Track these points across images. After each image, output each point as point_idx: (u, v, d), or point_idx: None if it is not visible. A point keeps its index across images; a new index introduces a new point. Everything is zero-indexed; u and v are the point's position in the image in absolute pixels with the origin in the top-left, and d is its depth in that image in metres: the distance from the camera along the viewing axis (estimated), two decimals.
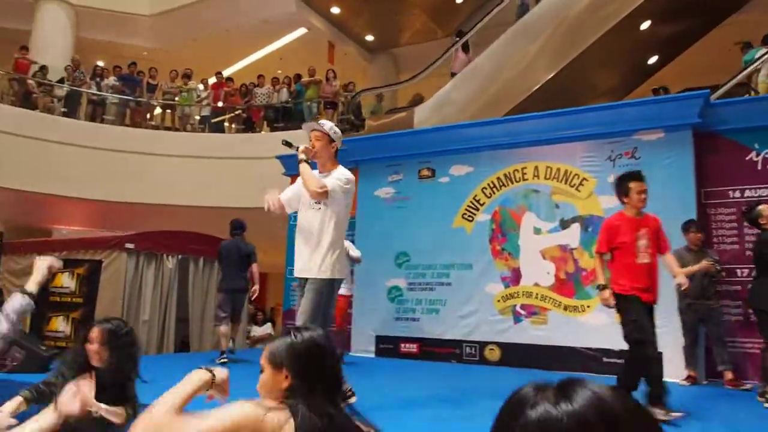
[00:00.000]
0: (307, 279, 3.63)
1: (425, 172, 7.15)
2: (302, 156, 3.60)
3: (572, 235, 6.13)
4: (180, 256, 8.32)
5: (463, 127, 7.14)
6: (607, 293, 3.85)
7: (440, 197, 6.97)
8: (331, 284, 3.64)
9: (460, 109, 8.99)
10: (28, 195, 9.89)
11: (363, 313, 7.21)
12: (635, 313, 3.74)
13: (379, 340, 7.03)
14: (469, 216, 6.76)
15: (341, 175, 3.67)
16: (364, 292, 7.28)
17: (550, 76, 8.36)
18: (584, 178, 6.16)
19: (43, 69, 11.03)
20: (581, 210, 6.13)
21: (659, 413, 3.52)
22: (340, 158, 7.45)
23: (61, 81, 11.18)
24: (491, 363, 6.30)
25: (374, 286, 7.18)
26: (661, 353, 3.96)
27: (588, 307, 5.94)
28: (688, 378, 5.25)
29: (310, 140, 3.72)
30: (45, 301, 8.00)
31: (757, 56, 7.59)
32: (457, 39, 10.04)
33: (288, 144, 3.92)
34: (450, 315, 6.65)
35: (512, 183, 6.59)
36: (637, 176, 3.99)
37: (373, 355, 6.98)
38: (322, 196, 3.55)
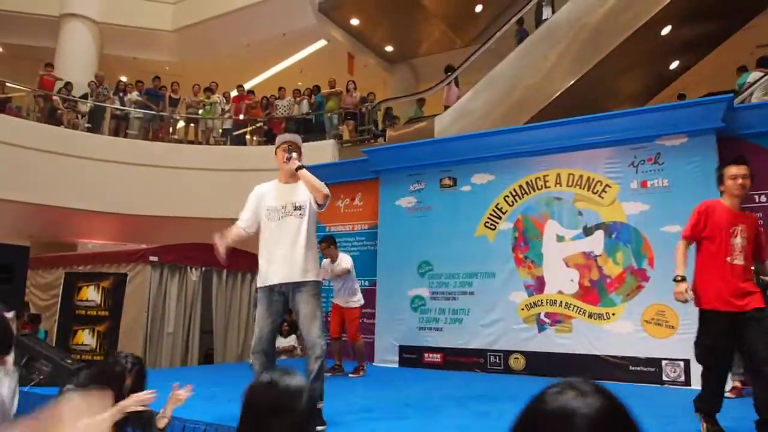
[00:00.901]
0: (286, 284, 3.65)
1: (447, 181, 7.24)
2: (299, 162, 3.73)
3: (596, 242, 6.17)
4: (204, 269, 8.49)
5: (484, 135, 7.23)
6: (683, 286, 3.38)
7: (462, 206, 7.05)
8: (320, 286, 3.76)
9: (480, 118, 9.09)
10: (53, 209, 10.17)
11: (386, 323, 7.30)
12: (710, 335, 3.34)
13: (403, 350, 7.11)
14: (492, 224, 6.84)
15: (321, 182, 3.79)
16: (386, 301, 7.38)
17: (571, 83, 8.43)
18: (607, 185, 6.20)
19: (68, 85, 11.39)
20: (605, 217, 6.17)
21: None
22: (362, 168, 7.62)
23: (84, 97, 11.53)
24: (516, 372, 6.35)
25: (397, 296, 7.27)
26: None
27: (613, 314, 5.96)
28: (733, 390, 4.96)
29: (285, 150, 3.80)
30: (71, 315, 8.22)
31: (749, 80, 7.50)
32: (448, 74, 10.27)
33: (284, 151, 3.90)
34: (474, 324, 6.71)
35: (534, 191, 6.65)
36: (732, 161, 3.50)
37: (396, 366, 7.05)
38: (327, 198, 3.70)
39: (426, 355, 6.96)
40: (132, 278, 7.97)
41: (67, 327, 8.10)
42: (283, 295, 3.68)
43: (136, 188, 10.55)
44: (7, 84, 11.03)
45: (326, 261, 6.42)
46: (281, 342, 10.37)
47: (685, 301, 3.40)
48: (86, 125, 11.25)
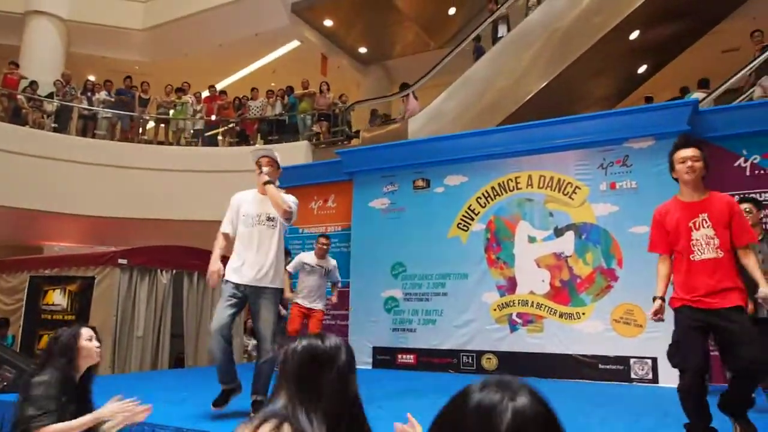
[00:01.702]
0: (251, 287, 3.91)
1: (420, 183, 7.30)
2: (267, 178, 3.99)
3: (566, 243, 6.29)
4: (174, 271, 8.38)
5: (457, 137, 7.30)
6: (656, 305, 3.10)
7: (435, 207, 7.12)
8: (280, 294, 4.07)
9: (454, 119, 9.19)
10: (18, 212, 9.98)
11: (359, 325, 7.33)
12: (679, 331, 3.02)
13: (376, 351, 7.14)
14: (465, 226, 6.91)
15: (292, 198, 4.05)
16: (360, 303, 7.40)
17: (543, 85, 8.58)
18: (577, 187, 6.33)
19: (33, 84, 11.17)
20: (575, 218, 6.30)
21: None
22: (335, 169, 7.64)
23: (51, 96, 11.33)
24: (489, 372, 6.41)
25: (370, 297, 7.30)
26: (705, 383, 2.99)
27: (583, 314, 6.08)
28: None
29: (259, 164, 4.09)
30: (36, 319, 8.06)
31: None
32: (408, 87, 10.45)
33: (258, 165, 4.17)
34: (447, 325, 6.77)
35: (506, 192, 6.75)
36: (680, 143, 3.19)
37: (370, 367, 7.08)
38: (288, 215, 3.93)
39: (399, 356, 7.01)
40: (100, 281, 7.83)
41: (32, 332, 7.95)
42: (245, 296, 3.94)
43: (105, 190, 10.40)
44: None
45: (310, 255, 6.46)
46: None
47: (660, 320, 3.10)
48: (53, 125, 11.07)
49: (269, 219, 4.00)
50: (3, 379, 5.19)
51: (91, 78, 12.68)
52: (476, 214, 6.88)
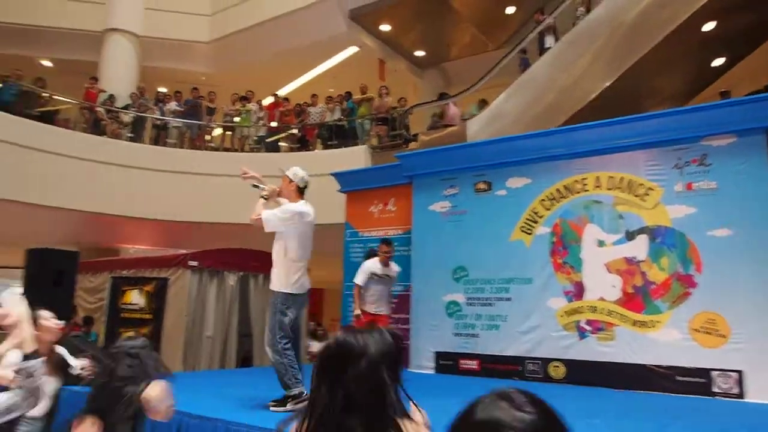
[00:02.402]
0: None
1: (481, 186, 6.92)
2: (264, 193, 4.36)
3: (639, 247, 5.75)
4: (240, 273, 8.36)
5: (519, 138, 6.90)
6: None
7: (497, 210, 6.72)
8: (283, 296, 4.21)
9: (514, 120, 8.76)
10: (99, 216, 10.19)
11: (421, 329, 7.01)
12: None
13: (439, 356, 6.80)
14: (528, 229, 6.48)
15: (285, 207, 4.31)
16: (421, 307, 7.08)
17: (608, 84, 8.00)
18: (650, 188, 5.78)
19: (111, 97, 11.42)
20: (648, 220, 5.75)
21: None
22: (395, 173, 7.36)
23: (126, 107, 11.54)
24: (556, 381, 5.98)
25: (432, 302, 6.97)
26: None
27: (658, 322, 5.54)
28: None
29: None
30: (117, 317, 8.19)
31: None
32: (446, 94, 10.40)
33: (256, 186, 4.49)
34: (511, 331, 6.36)
35: (572, 194, 6.27)
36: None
37: (432, 372, 6.76)
38: (256, 222, 4.19)
39: (462, 361, 6.64)
40: (173, 282, 7.90)
41: (114, 329, 8.09)
42: None
43: (176, 195, 10.50)
44: (55, 97, 11.11)
45: (376, 264, 6.19)
46: (316, 347, 10.19)
47: None
48: (128, 135, 11.27)
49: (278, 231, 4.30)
50: (91, 373, 5.21)
51: (162, 89, 12.88)
52: (540, 217, 6.43)
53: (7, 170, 9.09)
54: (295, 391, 4.03)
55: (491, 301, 6.59)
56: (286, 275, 4.22)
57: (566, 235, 6.25)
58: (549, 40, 9.26)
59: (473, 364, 6.55)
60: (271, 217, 4.21)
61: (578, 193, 6.24)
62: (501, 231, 6.65)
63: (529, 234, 6.48)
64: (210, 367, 7.90)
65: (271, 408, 3.98)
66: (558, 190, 6.36)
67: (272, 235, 4.34)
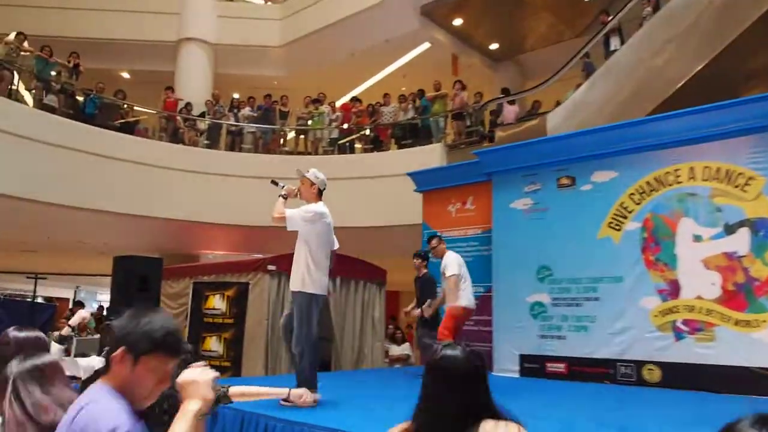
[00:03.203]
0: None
1: (564, 181, 6.93)
2: (283, 192, 4.55)
3: (740, 241, 5.62)
4: None
5: (604, 130, 6.85)
6: None
7: (583, 206, 6.72)
8: (307, 298, 4.42)
9: (597, 111, 8.66)
10: (181, 223, 10.91)
11: (504, 331, 7.10)
12: None
13: (524, 359, 6.87)
14: (617, 225, 6.44)
15: (305, 207, 4.54)
16: (504, 308, 7.17)
17: (699, 67, 7.79)
18: (751, 177, 5.64)
19: (188, 105, 12.18)
20: (749, 213, 5.61)
21: None
22: (473, 170, 7.52)
23: (202, 115, 12.27)
24: (651, 384, 5.92)
25: (515, 303, 7.05)
26: None
27: (763, 321, 5.39)
28: None
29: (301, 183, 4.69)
30: (200, 322, 8.73)
31: None
32: (507, 90, 10.58)
33: (275, 183, 4.72)
34: (600, 332, 6.35)
35: (664, 187, 6.19)
36: None
37: (517, 375, 6.83)
38: (280, 222, 4.39)
39: (549, 364, 6.68)
40: (253, 287, 8.30)
41: (197, 334, 8.61)
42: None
43: (253, 199, 11.02)
44: (136, 108, 11.98)
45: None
46: (395, 350, 10.45)
47: None
48: (205, 142, 11.97)
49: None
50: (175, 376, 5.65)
51: (236, 95, 13.57)
52: (630, 212, 6.38)
53: (94, 181, 9.87)
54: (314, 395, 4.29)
55: (578, 301, 6.59)
56: (308, 275, 4.44)
57: (658, 230, 6.17)
58: (614, 42, 9.28)
59: (560, 367, 6.58)
60: (294, 215, 4.41)
61: (670, 185, 6.15)
62: (587, 227, 6.64)
63: (618, 230, 6.44)
64: (290, 371, 8.26)
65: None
66: (648, 183, 6.29)
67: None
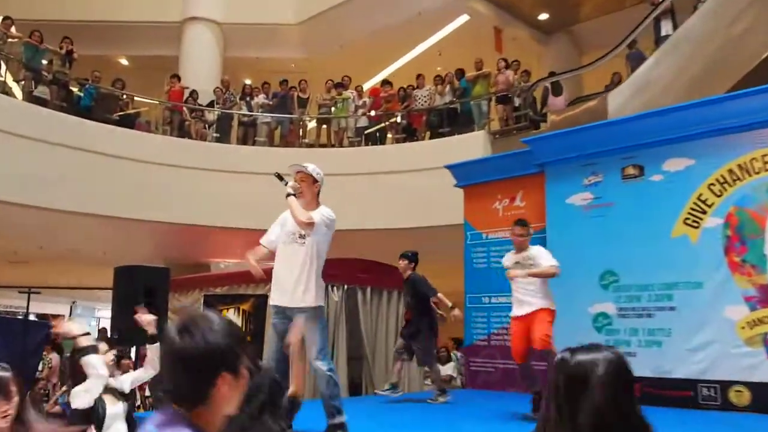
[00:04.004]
0: (289, 308, 4.48)
1: (631, 171, 6.87)
2: (290, 190, 4.52)
3: None
4: (346, 287, 8.67)
5: (676, 110, 6.76)
6: None
7: (653, 200, 6.64)
8: (322, 310, 4.54)
9: (665, 89, 8.60)
10: (188, 228, 11.08)
11: (563, 347, 7.00)
12: None
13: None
14: (694, 221, 6.35)
15: (325, 212, 4.60)
16: (561, 320, 7.02)
17: None
18: None
19: (193, 93, 12.34)
20: None
21: None
22: (522, 161, 7.48)
23: (211, 104, 12.44)
24: (739, 409, 5.80)
25: (575, 314, 6.96)
26: None
27: None
28: None
29: (295, 180, 4.65)
30: None
31: None
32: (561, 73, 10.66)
33: (279, 177, 4.72)
34: (677, 348, 6.26)
35: (750, 175, 6.09)
36: None
37: None
38: (309, 227, 4.39)
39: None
40: None
41: None
42: (289, 319, 4.46)
43: (269, 199, 11.04)
44: (137, 98, 12.19)
45: (508, 255, 6.05)
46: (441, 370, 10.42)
47: None
48: (214, 135, 12.13)
49: (301, 236, 4.52)
50: None
51: (248, 82, 13.73)
52: (709, 206, 6.28)
53: (92, 182, 10.05)
54: (340, 419, 4.35)
55: (650, 311, 6.52)
56: (318, 286, 4.50)
57: (744, 226, 6.06)
58: (665, 27, 9.27)
59: None
60: (320, 221, 4.47)
61: (758, 173, 6.04)
62: (658, 225, 6.56)
63: (696, 227, 6.35)
64: (314, 396, 8.29)
65: None
66: (731, 171, 6.20)
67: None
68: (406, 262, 6.94)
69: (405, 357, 6.99)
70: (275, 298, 4.62)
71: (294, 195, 4.52)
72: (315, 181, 4.64)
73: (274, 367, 4.36)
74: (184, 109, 12.16)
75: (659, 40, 9.32)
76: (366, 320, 8.85)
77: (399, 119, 12.28)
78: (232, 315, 8.78)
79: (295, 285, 4.44)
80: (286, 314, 4.50)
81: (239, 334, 1.52)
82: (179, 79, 12.75)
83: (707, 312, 6.13)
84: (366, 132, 12.23)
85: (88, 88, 11.29)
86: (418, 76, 12.20)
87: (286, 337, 4.41)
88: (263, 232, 11.92)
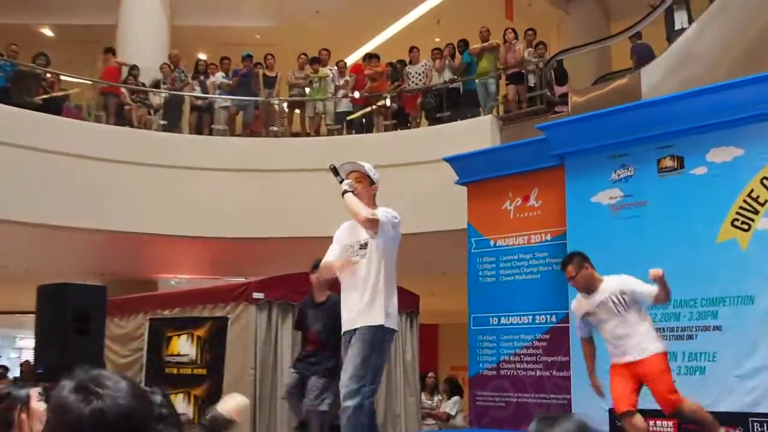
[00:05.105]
0: (352, 332, 4.66)
1: (668, 162, 7.01)
2: (347, 187, 4.70)
3: None
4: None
5: (722, 89, 6.90)
6: None
7: (694, 197, 6.79)
8: (382, 332, 4.61)
9: (710, 64, 8.72)
10: (129, 237, 11.10)
11: (586, 376, 7.15)
12: None
13: (615, 415, 6.92)
14: (745, 223, 6.49)
15: (389, 210, 4.78)
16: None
17: None
18: None
19: (134, 69, 12.33)
20: None
21: None
22: (537, 151, 7.66)
23: (157, 85, 12.48)
24: None
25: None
26: None
27: None
28: None
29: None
30: (160, 375, 8.88)
31: None
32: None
33: (335, 172, 4.89)
34: (724, 375, 6.40)
35: None
36: None
37: None
38: (373, 224, 4.57)
39: (650, 422, 6.72)
40: (233, 323, 8.39)
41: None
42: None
43: (230, 201, 11.18)
44: (64, 78, 12.19)
45: (577, 298, 6.05)
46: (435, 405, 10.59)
47: None
48: (161, 122, 12.18)
49: (361, 247, 4.74)
50: None
51: (202, 57, 13.74)
52: (762, 205, 6.42)
53: (6, 181, 9.94)
54: None
55: (691, 332, 6.65)
56: (391, 305, 4.66)
57: None
58: (680, 19, 9.55)
59: (668, 427, 6.64)
60: (386, 220, 4.63)
61: None
62: (701, 228, 6.69)
63: (746, 230, 6.48)
64: None
65: None
66: None
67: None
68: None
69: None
70: (344, 324, 4.83)
71: (352, 192, 4.70)
72: (372, 182, 4.88)
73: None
74: (123, 90, 12.16)
75: (671, 34, 9.58)
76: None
77: (388, 102, 12.37)
78: (184, 343, 8.83)
79: (357, 306, 4.67)
80: (349, 341, 4.70)
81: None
82: (114, 53, 12.73)
83: (760, 332, 6.25)
84: (348, 118, 12.32)
85: (2, 64, 11.26)
86: (412, 48, 12.28)
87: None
88: (223, 241, 12.08)
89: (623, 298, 5.67)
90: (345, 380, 4.55)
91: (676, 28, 9.56)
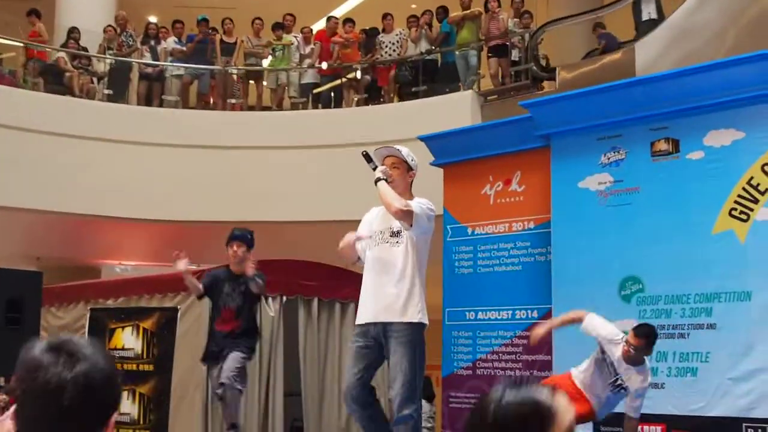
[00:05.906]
0: (380, 324, 4.71)
1: (662, 146, 7.05)
2: (380, 174, 4.78)
3: None
4: (285, 298, 8.72)
5: (722, 66, 6.96)
6: None
7: (690, 184, 6.84)
8: (420, 330, 4.77)
9: (711, 39, 8.75)
10: (66, 218, 10.99)
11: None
12: None
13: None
14: (743, 213, 6.56)
15: (424, 201, 4.85)
16: (570, 342, 7.17)
17: None
18: None
19: (74, 32, 12.18)
20: None
21: None
22: (521, 131, 7.70)
23: (102, 52, 12.33)
24: None
25: (586, 334, 7.16)
26: None
27: None
28: None
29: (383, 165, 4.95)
30: None
31: None
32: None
33: (368, 158, 5.00)
34: (717, 377, 6.46)
35: None
36: None
37: None
38: (407, 216, 4.64)
39: (639, 426, 6.82)
40: (184, 315, 8.38)
41: None
42: (376, 341, 4.75)
43: (181, 181, 11.10)
44: None
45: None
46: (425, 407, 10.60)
47: None
48: (106, 92, 12.06)
49: (393, 234, 4.81)
50: None
51: (153, 20, 13.61)
52: (762, 193, 6.50)
53: None
54: None
55: (683, 330, 6.71)
56: (422, 300, 4.78)
57: None
58: (647, 8, 9.77)
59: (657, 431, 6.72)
60: (420, 212, 4.71)
61: None
62: (696, 218, 6.75)
63: (745, 221, 6.53)
64: None
65: None
66: None
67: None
68: (245, 248, 6.94)
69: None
70: (360, 315, 4.90)
71: (386, 180, 4.76)
72: (410, 168, 4.97)
73: (352, 408, 4.83)
74: (63, 56, 12.04)
75: (639, 25, 9.79)
76: (310, 344, 8.87)
77: (359, 74, 12.37)
78: (129, 336, 8.79)
79: (387, 295, 4.75)
80: (371, 335, 4.76)
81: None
82: (39, 15, 12.48)
83: (757, 331, 6.33)
84: (315, 91, 12.31)
85: None
86: (386, 15, 12.26)
87: (369, 366, 4.77)
88: (174, 224, 11.98)
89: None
90: (398, 388, 4.61)
91: (644, 18, 9.87)
